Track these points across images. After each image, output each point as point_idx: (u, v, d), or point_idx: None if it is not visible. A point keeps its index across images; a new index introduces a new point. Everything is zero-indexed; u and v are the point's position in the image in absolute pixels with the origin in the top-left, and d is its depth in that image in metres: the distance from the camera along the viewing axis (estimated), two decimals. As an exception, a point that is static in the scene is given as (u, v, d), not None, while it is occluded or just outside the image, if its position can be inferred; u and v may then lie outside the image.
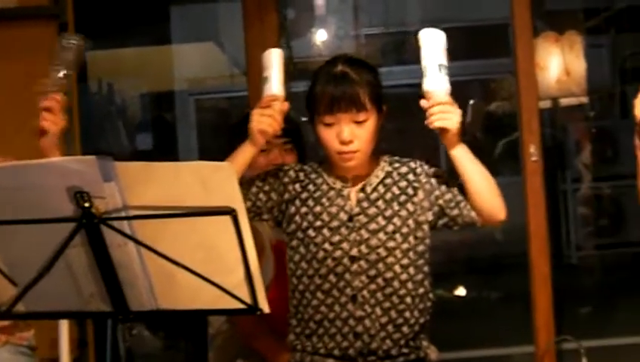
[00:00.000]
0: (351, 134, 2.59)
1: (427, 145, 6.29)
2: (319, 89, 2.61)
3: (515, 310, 5.58)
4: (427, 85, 2.57)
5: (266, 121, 2.58)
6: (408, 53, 8.56)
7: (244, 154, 2.62)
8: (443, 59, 2.57)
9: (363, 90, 2.58)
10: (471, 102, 8.89)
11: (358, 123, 2.59)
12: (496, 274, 7.88)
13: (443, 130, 2.57)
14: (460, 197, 2.67)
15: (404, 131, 7.04)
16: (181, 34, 8.86)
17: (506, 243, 7.31)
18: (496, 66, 8.94)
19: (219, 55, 8.98)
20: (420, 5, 9.28)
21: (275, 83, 2.62)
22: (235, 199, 2.06)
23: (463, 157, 2.62)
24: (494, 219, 2.65)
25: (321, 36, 8.54)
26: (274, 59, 2.65)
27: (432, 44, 2.58)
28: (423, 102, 2.57)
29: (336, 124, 2.59)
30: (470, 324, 6.33)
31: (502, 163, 8.21)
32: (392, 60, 8.83)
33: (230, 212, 2.03)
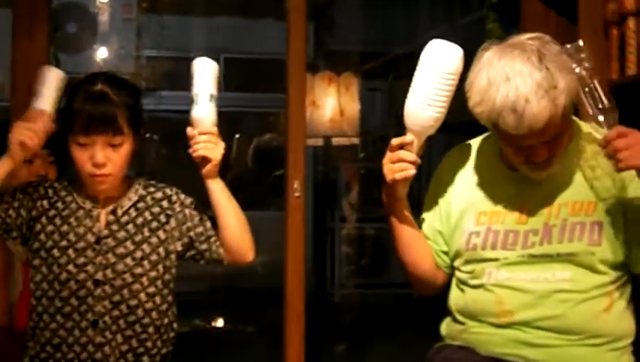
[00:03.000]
0: (104, 157, 2.51)
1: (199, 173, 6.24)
2: (76, 107, 2.51)
3: (270, 345, 5.58)
4: (196, 113, 2.55)
5: (27, 133, 2.48)
6: (187, 79, 8.51)
7: (1, 167, 2.51)
8: (214, 90, 2.56)
9: (121, 113, 2.51)
10: (236, 136, 8.89)
11: (113, 146, 2.52)
12: (255, 308, 7.89)
13: (205, 160, 2.55)
14: (211, 232, 2.65)
15: (178, 157, 6.97)
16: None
17: (267, 276, 7.33)
18: (275, 100, 9.01)
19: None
20: (204, 33, 9.25)
21: (45, 100, 2.55)
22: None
23: (219, 191, 2.60)
24: (242, 259, 2.66)
25: (102, 53, 8.38)
26: (52, 78, 2.59)
27: (206, 73, 2.57)
28: (189, 130, 2.55)
29: (90, 146, 2.51)
30: (224, 357, 6.30)
31: (273, 197, 8.26)
32: (171, 85, 8.77)
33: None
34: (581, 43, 2.35)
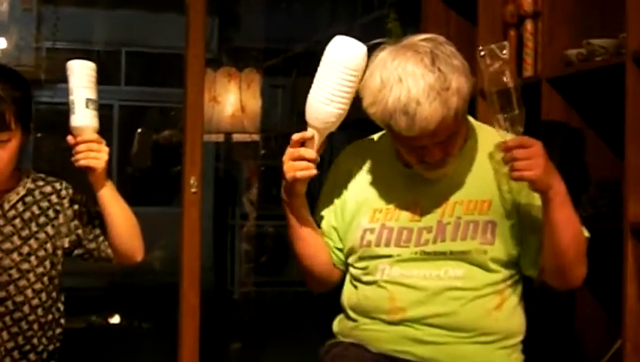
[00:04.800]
0: None
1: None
2: None
3: (166, 342, 5.54)
4: (74, 122, 2.47)
5: None
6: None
7: None
8: (92, 94, 2.47)
9: (8, 108, 2.43)
10: (138, 130, 8.78)
11: (0, 142, 2.44)
12: (153, 304, 7.84)
13: (89, 169, 2.48)
14: (99, 231, 2.60)
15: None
16: None
17: (165, 272, 7.28)
18: (177, 95, 8.94)
19: None
20: (105, 26, 9.14)
21: None
22: None
23: (109, 198, 2.54)
24: (130, 260, 2.63)
25: (0, 44, 8.24)
26: None
27: (81, 76, 2.47)
28: (69, 139, 2.48)
29: None
30: (120, 354, 6.23)
31: (172, 192, 8.18)
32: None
33: None
34: (506, 44, 2.31)
